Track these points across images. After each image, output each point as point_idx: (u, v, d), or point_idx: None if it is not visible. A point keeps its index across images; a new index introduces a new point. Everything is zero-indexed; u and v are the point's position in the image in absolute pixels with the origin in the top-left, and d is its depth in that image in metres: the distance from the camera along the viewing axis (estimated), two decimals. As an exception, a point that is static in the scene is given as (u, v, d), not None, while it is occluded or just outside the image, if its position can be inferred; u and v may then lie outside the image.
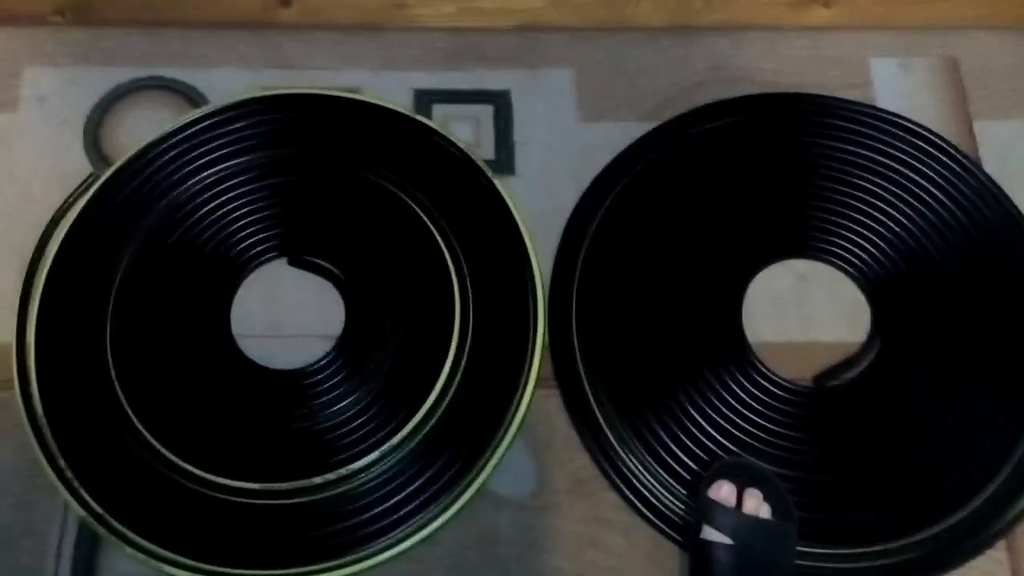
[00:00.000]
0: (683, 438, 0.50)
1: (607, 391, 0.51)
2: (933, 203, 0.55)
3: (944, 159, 0.57)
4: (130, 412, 0.50)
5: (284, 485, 0.48)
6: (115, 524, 0.47)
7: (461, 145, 0.58)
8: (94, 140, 0.60)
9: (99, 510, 0.48)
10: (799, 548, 0.46)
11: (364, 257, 0.55)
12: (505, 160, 0.59)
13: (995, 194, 0.56)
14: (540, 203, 0.57)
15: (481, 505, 0.49)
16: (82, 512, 0.48)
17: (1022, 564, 0.48)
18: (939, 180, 0.56)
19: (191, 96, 0.61)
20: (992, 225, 0.55)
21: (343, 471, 0.48)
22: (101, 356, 0.51)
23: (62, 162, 0.58)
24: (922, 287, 0.53)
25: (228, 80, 0.61)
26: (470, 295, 0.53)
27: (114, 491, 0.48)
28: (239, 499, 0.48)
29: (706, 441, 0.50)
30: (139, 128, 0.59)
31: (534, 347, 0.52)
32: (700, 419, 0.50)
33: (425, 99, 0.61)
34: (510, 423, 0.50)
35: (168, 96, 0.61)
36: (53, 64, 0.61)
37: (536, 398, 0.51)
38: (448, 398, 0.50)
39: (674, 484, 0.49)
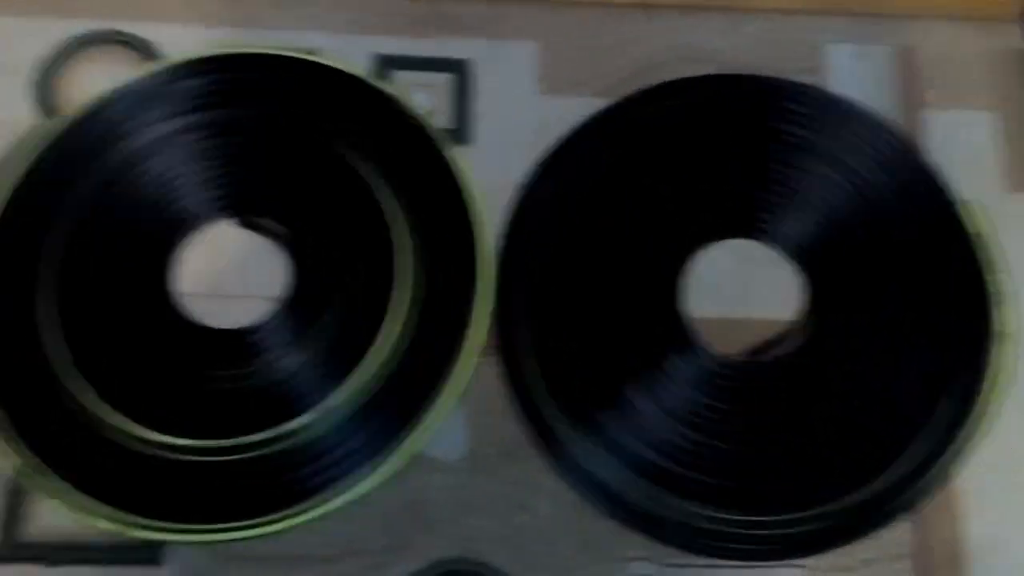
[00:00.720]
0: (616, 409, 0.51)
1: (547, 361, 0.52)
2: (873, 186, 0.56)
3: (886, 144, 0.57)
4: (74, 367, 0.50)
5: (221, 442, 0.48)
6: (52, 476, 0.48)
7: (417, 112, 0.58)
8: (46, 92, 0.59)
9: (34, 460, 0.48)
10: (719, 515, 0.48)
11: (313, 219, 0.55)
12: (462, 130, 0.60)
13: (934, 181, 0.57)
14: (495, 174, 0.57)
15: (414, 468, 0.50)
16: (18, 463, 0.48)
17: (926, 533, 0.50)
18: (880, 164, 0.56)
19: (148, 51, 0.61)
20: (929, 213, 0.56)
21: (277, 430, 0.49)
22: (46, 311, 0.52)
23: (12, 112, 0.58)
24: (857, 266, 0.54)
25: (188, 37, 0.61)
26: (417, 260, 0.54)
27: (51, 444, 0.49)
28: (173, 455, 0.48)
29: (639, 414, 0.51)
30: (93, 82, 0.59)
31: (478, 315, 0.53)
32: (635, 391, 0.51)
33: (385, 65, 0.61)
34: (448, 389, 0.51)
35: (124, 51, 0.61)
36: (11, 13, 0.61)
37: (476, 365, 0.52)
38: (389, 362, 0.51)
39: (604, 451, 0.50)
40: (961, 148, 0.59)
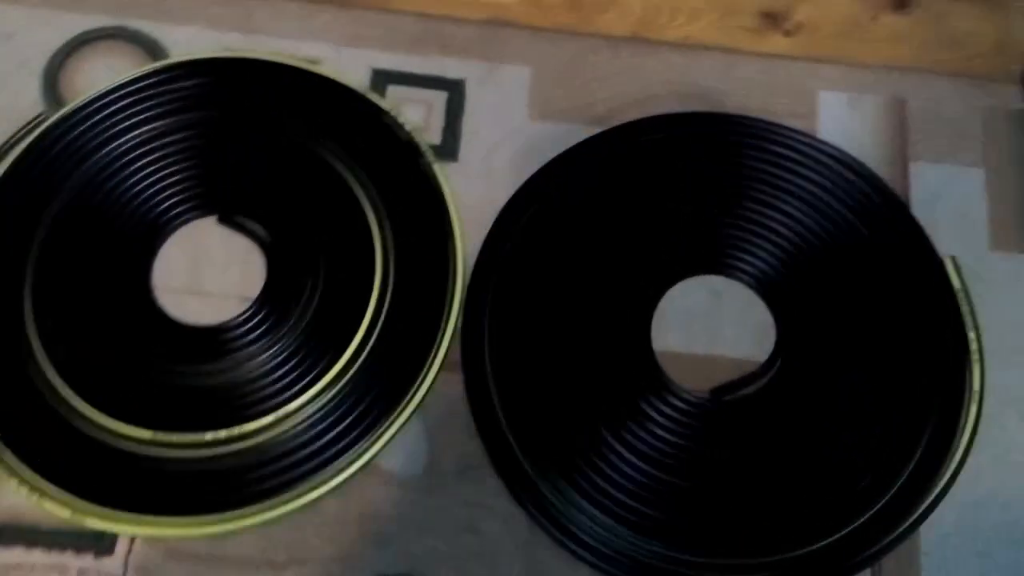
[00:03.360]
0: (576, 434, 0.50)
1: (510, 382, 0.51)
2: (852, 234, 0.55)
3: (872, 195, 0.57)
4: (40, 350, 0.50)
5: (175, 437, 0.48)
6: (5, 453, 0.48)
7: (407, 126, 0.58)
8: (52, 82, 0.60)
9: (-2, 442, 0.48)
10: (677, 555, 0.47)
11: (293, 222, 0.55)
12: (450, 147, 0.59)
13: (916, 233, 0.56)
14: (477, 192, 0.57)
15: (368, 479, 0.49)
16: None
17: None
18: (861, 213, 0.56)
19: (153, 50, 0.61)
20: (908, 262, 0.55)
21: (235, 431, 0.48)
22: (19, 293, 0.51)
23: (18, 98, 0.58)
24: (830, 313, 0.54)
25: (193, 38, 0.61)
26: (391, 271, 0.53)
27: (11, 423, 0.48)
28: (131, 446, 0.48)
29: (598, 442, 0.50)
30: (99, 76, 0.59)
31: (445, 330, 0.52)
32: (596, 419, 0.50)
33: (382, 79, 0.61)
34: (410, 401, 0.50)
35: (131, 47, 0.61)
36: (23, 3, 0.62)
37: (441, 381, 0.51)
38: (353, 370, 0.50)
39: (559, 478, 0.49)
40: (947, 202, 0.58)
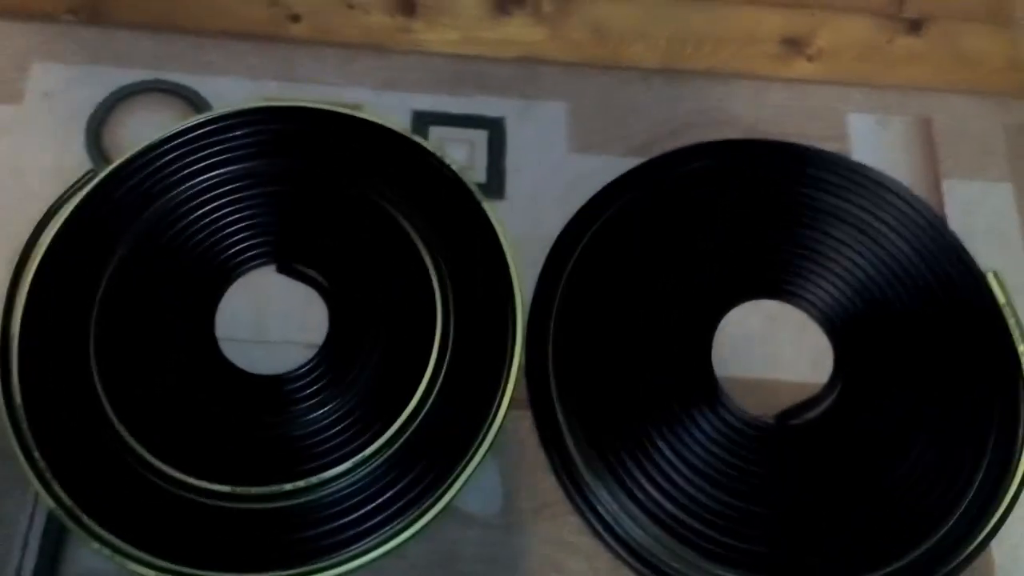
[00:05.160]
0: (648, 467, 0.49)
1: (578, 417, 0.50)
2: (898, 255, 0.55)
3: (912, 214, 0.56)
4: (108, 408, 0.48)
5: (255, 490, 0.46)
6: (84, 518, 0.45)
7: (454, 167, 0.57)
8: (95, 138, 0.58)
9: (69, 502, 0.46)
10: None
11: (351, 268, 0.53)
12: (496, 185, 0.58)
13: (958, 251, 0.55)
14: (527, 228, 0.56)
15: (448, 521, 0.47)
16: (52, 504, 0.46)
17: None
18: (906, 233, 0.55)
19: (195, 101, 0.59)
20: (953, 280, 0.54)
21: (314, 479, 0.46)
22: (84, 350, 0.50)
23: (62, 158, 0.57)
24: (883, 334, 0.53)
25: (233, 88, 0.60)
26: (452, 313, 0.52)
27: (86, 485, 0.46)
28: (209, 501, 0.46)
29: (670, 472, 0.49)
30: (141, 129, 0.57)
31: (510, 369, 0.51)
32: (666, 449, 0.49)
33: (423, 120, 0.60)
34: (482, 442, 0.49)
35: (172, 100, 0.60)
36: (61, 61, 0.60)
37: (509, 419, 0.50)
38: (423, 413, 0.49)
39: (637, 512, 0.47)
40: (981, 218, 0.58)
